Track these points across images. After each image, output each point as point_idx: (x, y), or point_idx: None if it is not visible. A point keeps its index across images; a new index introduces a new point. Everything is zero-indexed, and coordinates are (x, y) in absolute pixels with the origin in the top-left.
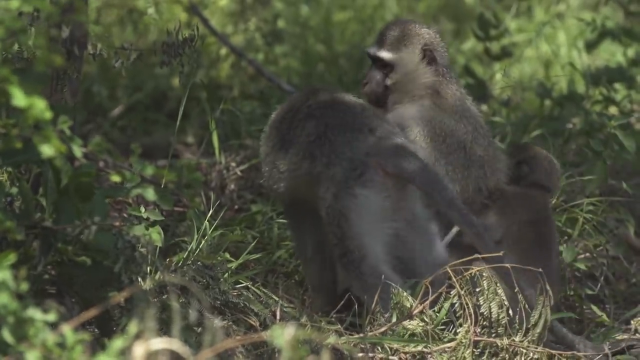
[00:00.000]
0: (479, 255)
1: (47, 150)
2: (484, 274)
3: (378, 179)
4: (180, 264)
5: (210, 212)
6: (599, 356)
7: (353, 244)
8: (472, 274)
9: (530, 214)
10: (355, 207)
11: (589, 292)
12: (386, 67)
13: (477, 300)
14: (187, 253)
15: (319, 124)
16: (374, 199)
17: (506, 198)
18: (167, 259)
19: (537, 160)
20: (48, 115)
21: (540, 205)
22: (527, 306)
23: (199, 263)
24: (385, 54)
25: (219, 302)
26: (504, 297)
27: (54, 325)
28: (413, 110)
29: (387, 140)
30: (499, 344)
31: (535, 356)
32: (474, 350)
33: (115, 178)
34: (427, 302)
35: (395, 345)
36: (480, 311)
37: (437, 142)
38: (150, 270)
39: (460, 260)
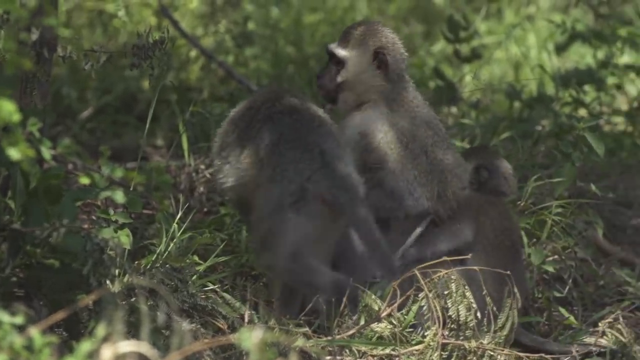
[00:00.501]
0: (448, 258)
1: (14, 153)
2: (452, 277)
3: (313, 207)
4: (149, 267)
5: (179, 214)
6: (567, 358)
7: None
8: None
9: (502, 220)
10: (284, 229)
11: (557, 294)
12: (339, 63)
13: (445, 303)
14: (155, 256)
15: (274, 131)
16: (304, 226)
17: (475, 204)
18: (136, 262)
19: (496, 165)
20: (17, 117)
21: (507, 211)
22: (494, 309)
23: (167, 265)
24: (338, 51)
25: (187, 305)
26: (472, 300)
27: (21, 328)
28: (373, 116)
29: (333, 168)
30: (467, 347)
31: (503, 358)
32: (442, 352)
33: (84, 180)
34: (395, 305)
35: (363, 348)
36: (449, 314)
37: (401, 147)
38: (118, 272)
39: (428, 263)
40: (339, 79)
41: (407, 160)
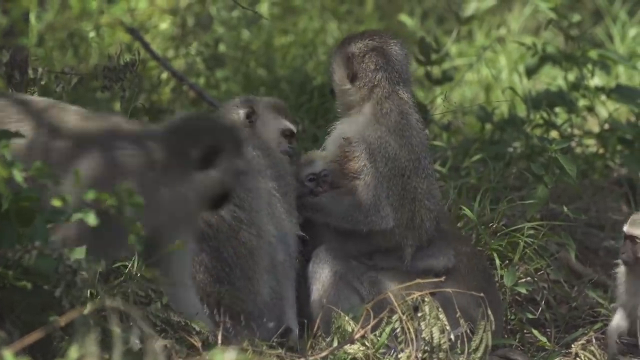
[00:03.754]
0: (421, 281)
1: None
2: (425, 299)
3: None
4: (121, 282)
5: None
6: None
7: None
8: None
9: (467, 245)
10: None
11: (530, 316)
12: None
13: (419, 325)
14: (127, 275)
15: None
16: None
17: (444, 232)
18: (108, 284)
19: None
20: None
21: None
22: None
23: (139, 275)
24: (331, 60)
25: (160, 321)
26: (446, 322)
27: None
28: (360, 125)
29: None
30: None
31: None
32: None
33: (57, 202)
34: (369, 326)
35: None
36: (422, 336)
37: (382, 163)
38: (91, 294)
39: (402, 285)
40: (333, 86)
41: (384, 177)
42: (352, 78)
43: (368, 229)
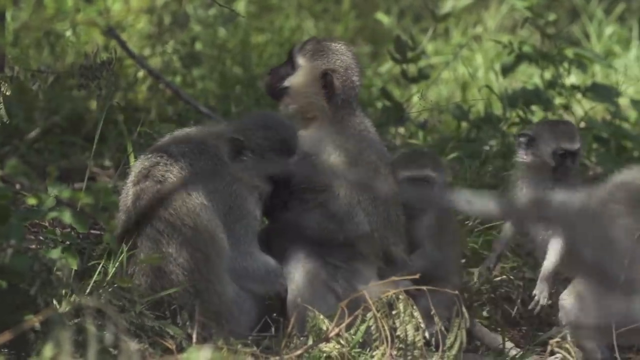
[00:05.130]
0: (396, 278)
1: None
2: (400, 297)
3: None
4: (96, 287)
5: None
6: None
7: None
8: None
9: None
10: None
11: (506, 314)
12: (293, 68)
13: (394, 322)
14: (102, 276)
15: None
16: None
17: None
18: (83, 282)
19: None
20: None
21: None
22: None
23: (115, 286)
24: (297, 56)
25: (134, 325)
26: (420, 320)
27: None
28: (321, 136)
29: None
30: None
31: None
32: None
33: (32, 201)
34: (343, 324)
35: None
36: (397, 334)
37: (349, 173)
38: (66, 293)
39: (377, 284)
40: (286, 82)
41: (353, 185)
42: (329, 95)
43: (345, 237)
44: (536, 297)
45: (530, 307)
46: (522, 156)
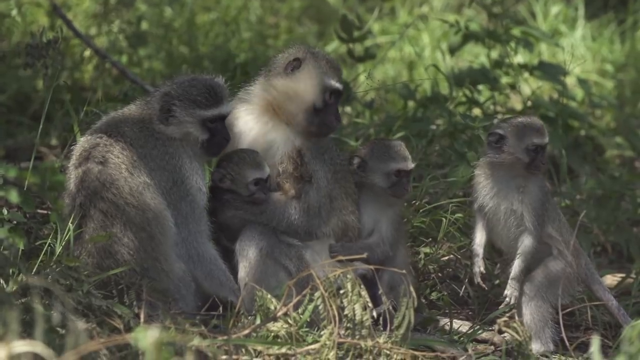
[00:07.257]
0: (343, 258)
1: None
2: (348, 276)
3: None
4: (43, 266)
5: (74, 214)
6: (463, 357)
7: None
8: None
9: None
10: None
11: (454, 293)
12: None
13: (341, 302)
14: (49, 255)
15: None
16: None
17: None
18: (30, 262)
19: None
20: None
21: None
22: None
23: (62, 265)
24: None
25: (82, 305)
26: (368, 299)
27: None
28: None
29: None
30: (363, 345)
31: (399, 357)
32: (338, 351)
33: None
34: (291, 304)
35: (259, 347)
36: (344, 313)
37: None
38: (13, 272)
39: (325, 262)
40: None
41: (330, 182)
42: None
43: (310, 232)
44: (507, 298)
45: (500, 307)
46: (494, 155)
